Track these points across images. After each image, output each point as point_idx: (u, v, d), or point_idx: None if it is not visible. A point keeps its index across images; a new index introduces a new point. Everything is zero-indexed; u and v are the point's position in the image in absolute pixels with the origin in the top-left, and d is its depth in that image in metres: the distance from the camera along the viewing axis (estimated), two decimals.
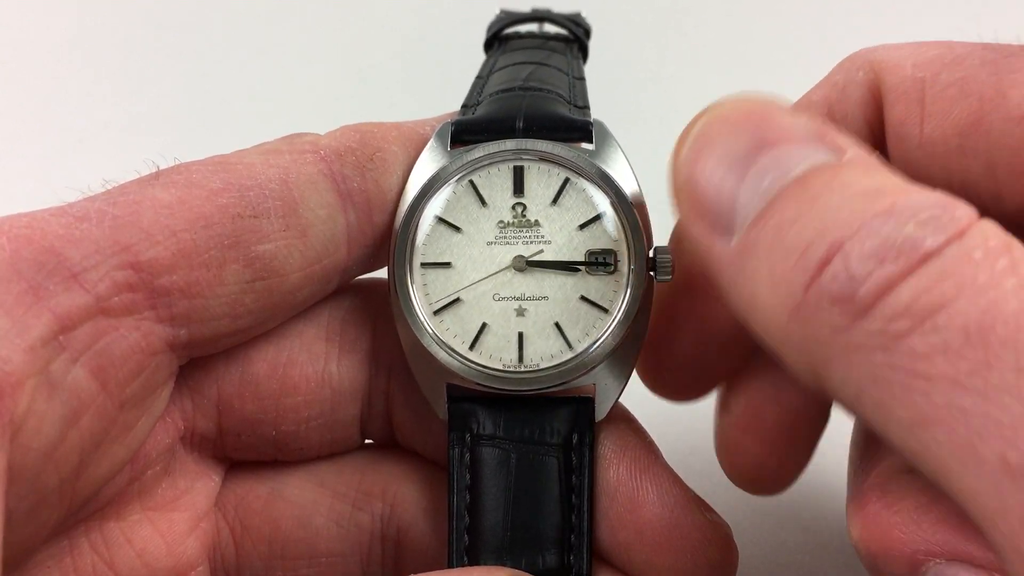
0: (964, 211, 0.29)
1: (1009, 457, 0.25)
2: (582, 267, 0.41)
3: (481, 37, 0.55)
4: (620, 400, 0.42)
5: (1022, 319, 0.26)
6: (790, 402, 0.41)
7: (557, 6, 0.58)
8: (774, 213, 0.31)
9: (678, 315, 0.42)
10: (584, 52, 0.55)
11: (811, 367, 0.30)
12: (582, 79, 0.48)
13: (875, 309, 0.28)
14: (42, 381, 0.33)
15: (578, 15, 0.58)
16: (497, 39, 0.55)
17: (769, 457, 0.42)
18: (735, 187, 0.33)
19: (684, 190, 0.35)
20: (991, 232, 0.28)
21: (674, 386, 0.44)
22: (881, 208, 0.29)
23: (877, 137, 0.39)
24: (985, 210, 0.34)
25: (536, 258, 0.41)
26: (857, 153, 0.32)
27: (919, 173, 0.37)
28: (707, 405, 0.46)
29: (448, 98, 0.47)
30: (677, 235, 0.42)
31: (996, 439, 0.25)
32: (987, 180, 0.35)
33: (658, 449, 0.42)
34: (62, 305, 0.33)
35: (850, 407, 0.30)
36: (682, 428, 0.46)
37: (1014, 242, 0.28)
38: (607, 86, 0.56)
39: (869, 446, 0.41)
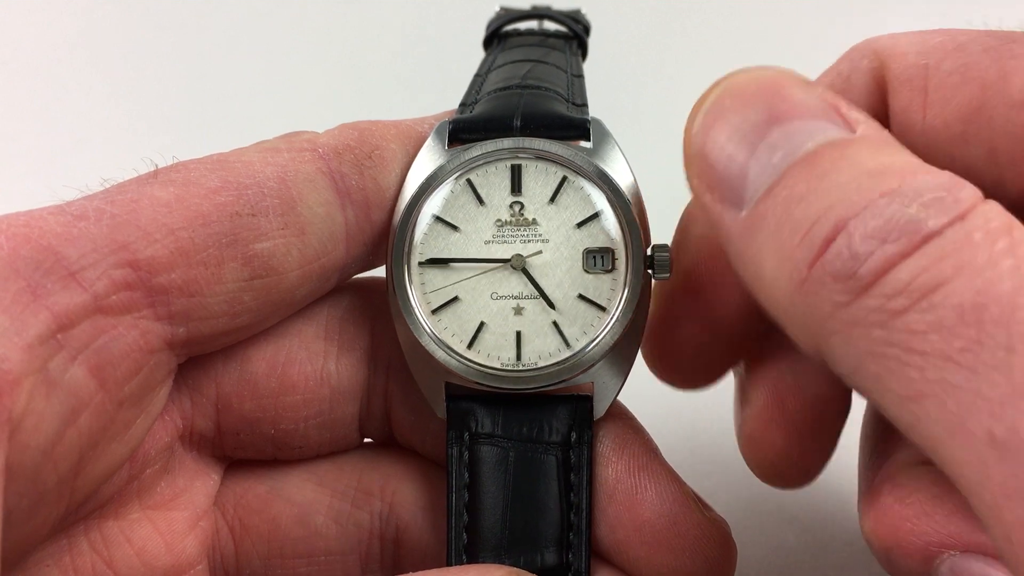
0: (968, 192, 0.29)
1: (995, 431, 0.26)
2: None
3: (480, 35, 0.55)
4: (619, 398, 0.42)
5: (1016, 299, 0.27)
6: (812, 391, 0.41)
7: (557, 3, 0.58)
8: (783, 188, 0.32)
9: (682, 308, 0.42)
10: (584, 49, 0.55)
11: (813, 340, 0.31)
12: (581, 76, 0.48)
13: (875, 287, 0.29)
14: (40, 379, 0.33)
15: (578, 12, 0.58)
16: (496, 37, 0.55)
17: (794, 448, 0.42)
18: (746, 160, 0.33)
19: (696, 161, 0.35)
20: (993, 213, 0.29)
21: (680, 373, 0.44)
22: (887, 188, 0.30)
23: (882, 125, 0.38)
24: (993, 195, 0.34)
25: (532, 259, 0.41)
26: (868, 130, 0.33)
27: (923, 159, 0.36)
28: (709, 405, 0.46)
29: (447, 96, 0.47)
30: (684, 225, 0.42)
31: (984, 414, 0.26)
32: (989, 166, 0.35)
33: (656, 447, 0.42)
34: (60, 303, 0.33)
35: (848, 379, 0.31)
36: (683, 427, 0.46)
37: (1015, 223, 0.29)
38: (606, 84, 0.56)
39: (880, 440, 0.41)
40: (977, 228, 0.28)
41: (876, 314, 0.29)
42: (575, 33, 0.55)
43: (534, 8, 0.57)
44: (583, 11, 0.58)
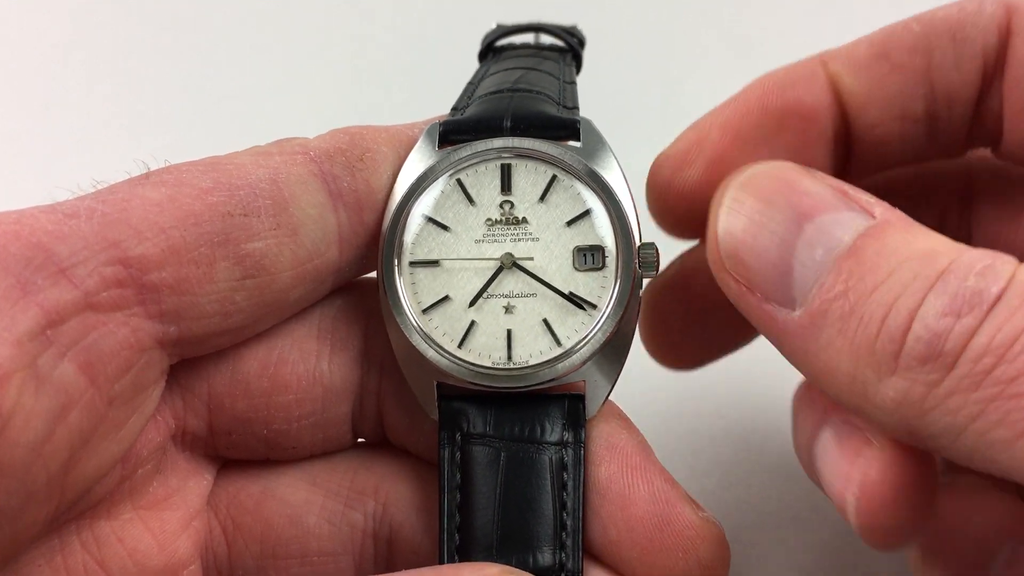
0: (1007, 258, 0.33)
1: None
2: (563, 297, 0.41)
3: (476, 47, 0.56)
4: (616, 399, 0.42)
5: None
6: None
7: (555, 20, 0.58)
8: (837, 284, 0.34)
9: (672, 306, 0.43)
10: (578, 62, 0.56)
11: (906, 423, 0.33)
12: (573, 83, 0.49)
13: (962, 357, 0.32)
14: (29, 375, 0.33)
15: (574, 27, 0.58)
16: (491, 50, 0.55)
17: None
18: (787, 259, 0.36)
19: (730, 263, 0.38)
20: None
21: (673, 357, 0.45)
22: (940, 268, 0.33)
23: (989, 68, 0.41)
24: None
25: (525, 263, 0.41)
26: (885, 211, 0.36)
27: None
28: (708, 405, 0.45)
29: (440, 107, 0.48)
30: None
31: None
32: None
33: (650, 447, 0.42)
34: (50, 300, 0.34)
35: (949, 451, 0.33)
36: (682, 426, 0.45)
37: None
38: (597, 84, 0.56)
39: None
40: None
41: (968, 379, 0.31)
42: (570, 46, 0.55)
43: (530, 23, 0.57)
44: (579, 27, 0.58)
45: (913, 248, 0.34)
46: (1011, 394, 0.31)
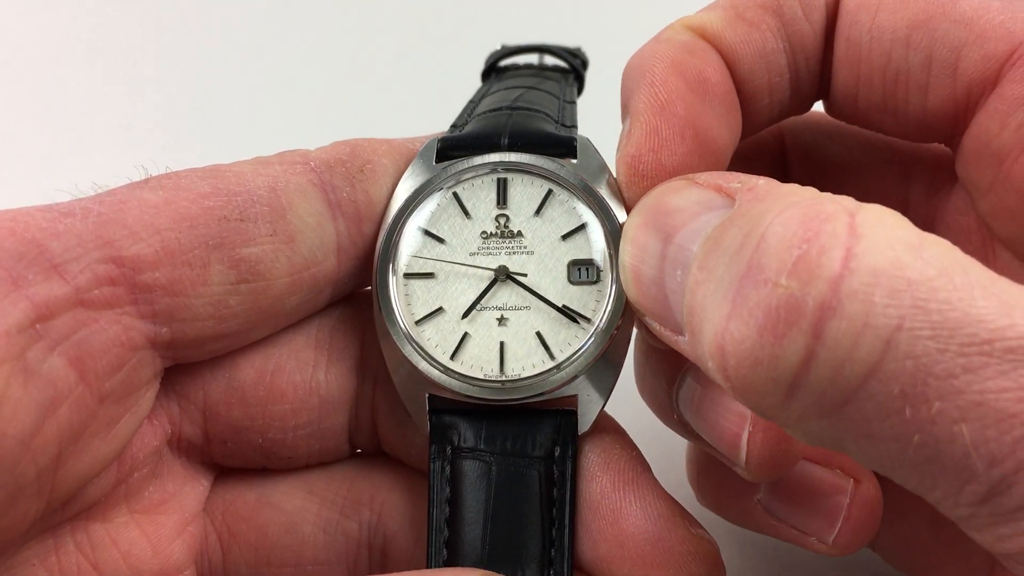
0: (835, 226, 0.29)
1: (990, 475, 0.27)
2: (557, 310, 0.41)
3: (479, 67, 0.56)
4: (615, 414, 0.42)
5: (953, 364, 0.27)
6: None
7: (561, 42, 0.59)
8: (692, 305, 0.33)
9: None
10: (580, 83, 0.56)
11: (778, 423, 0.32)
12: (573, 103, 0.49)
13: (801, 387, 0.29)
14: (17, 367, 0.33)
15: (578, 49, 0.59)
16: (494, 71, 0.56)
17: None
18: (663, 289, 0.35)
19: (639, 305, 0.37)
20: (877, 247, 0.28)
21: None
22: (745, 268, 0.30)
23: (831, 18, 0.43)
24: (907, 106, 0.41)
25: (519, 277, 0.41)
26: (744, 194, 0.33)
27: (861, 55, 0.42)
28: None
29: (446, 124, 0.48)
30: None
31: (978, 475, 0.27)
32: (921, 72, 0.41)
33: (645, 461, 0.41)
34: (40, 294, 0.34)
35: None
36: (681, 440, 0.45)
37: (911, 237, 0.29)
38: (597, 103, 0.57)
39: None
40: (866, 284, 0.28)
41: (816, 408, 0.29)
42: (573, 67, 0.56)
43: (534, 44, 0.58)
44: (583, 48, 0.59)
45: (735, 242, 0.31)
46: (872, 434, 0.28)
